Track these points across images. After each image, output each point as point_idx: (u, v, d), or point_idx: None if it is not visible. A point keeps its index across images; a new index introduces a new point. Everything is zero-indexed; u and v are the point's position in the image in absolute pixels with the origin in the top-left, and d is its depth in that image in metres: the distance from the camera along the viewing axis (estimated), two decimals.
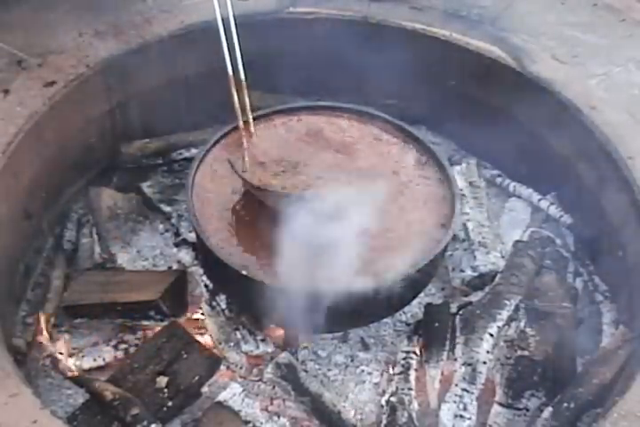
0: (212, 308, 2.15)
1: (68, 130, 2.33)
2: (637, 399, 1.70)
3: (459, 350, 2.03)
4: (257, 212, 1.90)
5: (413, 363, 2.03)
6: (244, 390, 1.94)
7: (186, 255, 2.32)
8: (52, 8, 2.45)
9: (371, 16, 2.52)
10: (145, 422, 1.80)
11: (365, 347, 2.14)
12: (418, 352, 2.05)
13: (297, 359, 2.05)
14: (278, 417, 1.95)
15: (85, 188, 2.47)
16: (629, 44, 2.43)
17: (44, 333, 2.10)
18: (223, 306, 2.15)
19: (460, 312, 2.11)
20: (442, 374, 2.01)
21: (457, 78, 2.52)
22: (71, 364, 2.04)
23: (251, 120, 2.05)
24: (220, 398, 1.92)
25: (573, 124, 2.25)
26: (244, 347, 2.08)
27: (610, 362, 1.93)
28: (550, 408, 1.89)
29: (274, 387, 2.01)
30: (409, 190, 1.99)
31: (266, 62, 2.60)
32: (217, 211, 1.93)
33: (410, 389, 1.97)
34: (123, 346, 2.11)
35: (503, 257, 2.27)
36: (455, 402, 1.94)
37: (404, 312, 2.20)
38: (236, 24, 1.99)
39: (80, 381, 1.97)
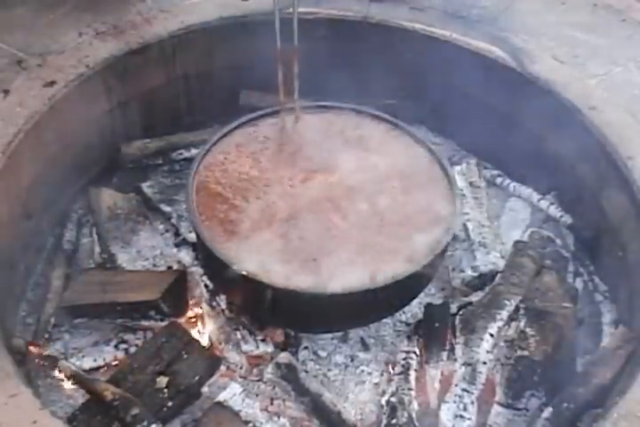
0: (212, 308, 2.16)
1: (68, 130, 2.33)
2: (637, 399, 1.70)
3: (459, 350, 2.03)
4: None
5: (413, 363, 2.03)
6: (244, 391, 1.94)
7: (186, 255, 2.32)
8: (52, 8, 2.45)
9: (371, 16, 2.52)
10: (145, 423, 1.80)
11: (365, 347, 2.14)
12: (418, 352, 2.05)
13: (297, 359, 2.05)
14: (278, 417, 1.95)
15: (85, 188, 2.48)
16: (629, 44, 2.43)
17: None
18: (223, 306, 2.15)
19: (460, 312, 2.11)
20: (442, 374, 2.01)
21: (457, 78, 2.52)
22: (71, 364, 2.04)
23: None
24: (220, 398, 1.92)
25: (573, 124, 2.25)
26: (244, 347, 2.08)
27: (610, 362, 1.93)
28: (550, 408, 1.89)
29: (274, 387, 2.01)
30: (409, 190, 1.99)
31: (266, 62, 2.60)
32: (217, 211, 1.93)
33: (410, 389, 1.97)
34: (123, 346, 2.11)
35: (503, 257, 2.27)
36: (455, 402, 1.95)
37: (403, 312, 2.20)
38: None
39: (80, 381, 1.97)
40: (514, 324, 2.08)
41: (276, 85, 2.58)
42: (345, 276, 1.80)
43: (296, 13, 1.99)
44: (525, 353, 2.00)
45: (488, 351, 2.01)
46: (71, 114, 2.30)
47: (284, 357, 2.00)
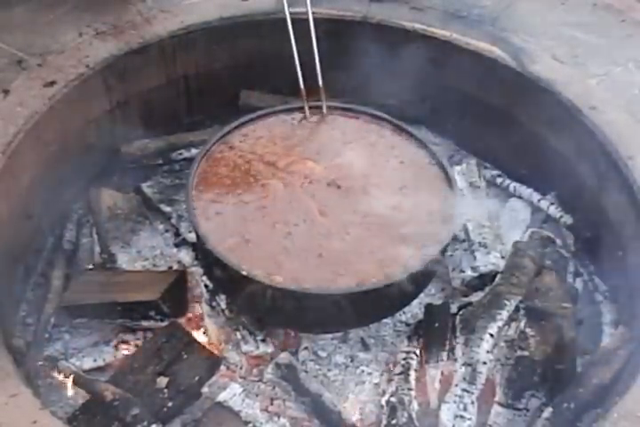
0: (212, 308, 2.16)
1: (68, 130, 2.33)
2: (637, 399, 1.70)
3: (459, 350, 2.03)
4: None
5: (413, 363, 2.03)
6: (244, 391, 1.94)
7: (186, 255, 2.32)
8: (52, 8, 2.45)
9: (371, 16, 2.52)
10: (145, 423, 1.80)
11: (365, 347, 2.14)
12: (418, 352, 2.05)
13: (297, 360, 2.06)
14: (278, 417, 1.95)
15: (85, 188, 2.47)
16: (629, 44, 2.43)
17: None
18: (223, 306, 2.15)
19: (460, 312, 2.11)
20: (442, 374, 2.01)
21: (457, 78, 2.52)
22: (71, 364, 2.04)
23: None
24: (220, 398, 1.92)
25: (573, 124, 2.25)
26: (244, 347, 2.08)
27: (610, 362, 1.93)
28: (550, 408, 1.89)
29: (274, 387, 2.01)
30: (409, 190, 1.99)
31: (266, 62, 2.60)
32: (217, 211, 1.93)
33: (410, 389, 1.97)
34: (123, 346, 2.11)
35: (503, 257, 2.27)
36: (455, 402, 1.94)
37: (403, 312, 2.20)
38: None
39: (80, 381, 1.97)
40: (514, 324, 2.08)
41: (275, 86, 2.60)
42: (345, 276, 1.80)
43: (315, 48, 2.09)
44: (525, 353, 2.00)
45: (488, 351, 2.01)
46: (71, 114, 2.30)
47: (284, 357, 2.00)
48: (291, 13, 2.43)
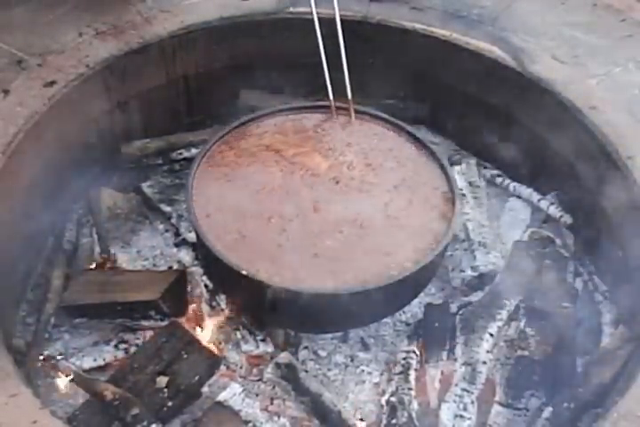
0: (212, 308, 2.16)
1: (68, 130, 2.33)
2: (637, 399, 1.70)
3: (459, 350, 2.03)
4: None
5: (413, 363, 2.03)
6: (244, 390, 1.94)
7: (186, 255, 2.32)
8: (52, 8, 2.45)
9: (370, 16, 2.52)
10: (145, 423, 1.80)
11: (365, 347, 2.14)
12: (418, 352, 2.05)
13: (297, 359, 2.06)
14: (278, 417, 1.95)
15: (85, 188, 2.47)
16: (629, 44, 2.43)
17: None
18: (223, 306, 2.15)
19: (460, 312, 2.11)
20: (442, 373, 2.01)
21: (457, 78, 2.52)
22: (71, 364, 2.04)
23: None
24: (220, 398, 1.92)
25: (573, 124, 2.25)
26: (244, 347, 2.08)
27: (610, 362, 1.93)
28: (550, 408, 1.89)
29: (274, 387, 2.01)
30: (409, 190, 1.99)
31: (266, 62, 2.60)
32: (216, 210, 1.93)
33: (410, 389, 1.97)
34: (123, 346, 2.11)
35: (503, 257, 2.27)
36: (455, 402, 1.95)
37: (403, 312, 2.20)
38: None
39: (80, 381, 1.97)
40: (514, 324, 2.08)
41: (275, 86, 2.60)
42: (345, 276, 1.80)
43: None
44: (525, 353, 2.00)
45: (488, 351, 2.01)
46: (71, 114, 2.29)
47: (283, 357, 2.00)
48: (294, 13, 2.43)
